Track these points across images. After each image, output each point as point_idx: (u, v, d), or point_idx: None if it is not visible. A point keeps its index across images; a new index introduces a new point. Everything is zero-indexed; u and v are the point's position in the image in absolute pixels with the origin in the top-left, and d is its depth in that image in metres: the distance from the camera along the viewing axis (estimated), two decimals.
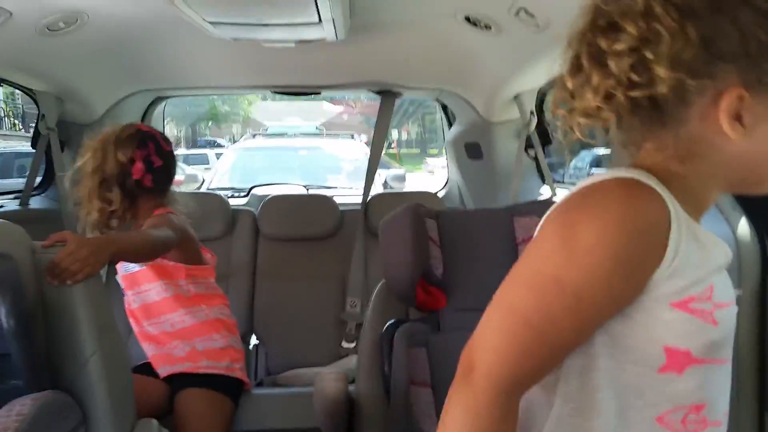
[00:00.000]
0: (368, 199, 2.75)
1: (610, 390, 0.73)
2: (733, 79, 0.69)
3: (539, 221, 0.78)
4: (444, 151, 3.32)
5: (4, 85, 2.32)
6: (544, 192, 2.62)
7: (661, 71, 0.68)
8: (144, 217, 1.89)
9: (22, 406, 1.10)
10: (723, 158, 0.73)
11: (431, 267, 1.54)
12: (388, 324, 1.56)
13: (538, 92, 2.47)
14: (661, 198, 0.70)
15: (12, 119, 13.51)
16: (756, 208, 1.51)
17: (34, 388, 1.20)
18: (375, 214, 2.62)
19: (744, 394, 1.48)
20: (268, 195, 2.90)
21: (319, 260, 2.63)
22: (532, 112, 2.50)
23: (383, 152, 3.11)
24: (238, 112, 22.49)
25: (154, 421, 1.52)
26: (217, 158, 7.54)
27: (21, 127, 13.10)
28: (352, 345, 2.48)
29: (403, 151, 22.35)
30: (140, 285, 1.90)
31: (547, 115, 2.52)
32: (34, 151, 2.50)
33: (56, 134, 2.43)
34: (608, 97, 0.72)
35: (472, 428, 0.69)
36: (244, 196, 3.41)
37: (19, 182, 2.55)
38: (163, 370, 1.89)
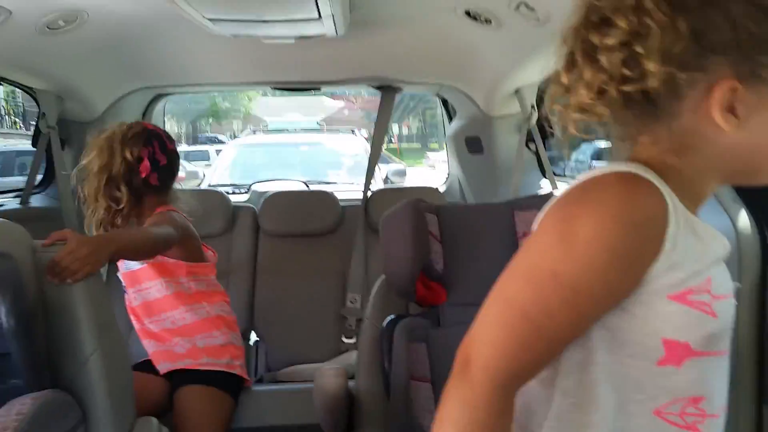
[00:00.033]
0: (369, 194, 2.74)
1: (608, 384, 0.73)
2: (726, 71, 0.69)
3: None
4: (444, 145, 3.31)
5: (5, 84, 2.31)
6: (545, 186, 2.62)
7: (651, 65, 0.68)
8: (148, 216, 1.89)
9: (22, 405, 1.10)
10: (717, 150, 0.73)
11: (431, 262, 1.54)
12: (388, 319, 1.57)
13: (539, 86, 2.47)
14: (659, 191, 0.70)
15: (13, 117, 13.52)
16: (756, 200, 1.51)
17: (34, 387, 1.20)
18: (376, 209, 2.62)
19: (743, 387, 1.48)
20: (268, 191, 2.90)
21: (320, 256, 2.63)
22: (532, 106, 2.49)
23: (384, 147, 3.11)
24: (238, 108, 22.51)
25: (154, 420, 1.52)
26: (218, 154, 7.54)
27: (22, 125, 13.10)
28: (352, 341, 2.48)
29: (404, 145, 22.34)
30: (141, 282, 1.90)
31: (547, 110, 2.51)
32: (34, 149, 2.50)
33: (57, 132, 2.42)
34: (601, 92, 0.72)
35: (469, 421, 0.69)
36: (245, 193, 3.41)
37: (20, 180, 2.55)
38: (163, 367, 1.90)
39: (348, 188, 3.62)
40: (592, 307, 0.71)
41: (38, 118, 2.42)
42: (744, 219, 1.49)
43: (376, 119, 2.89)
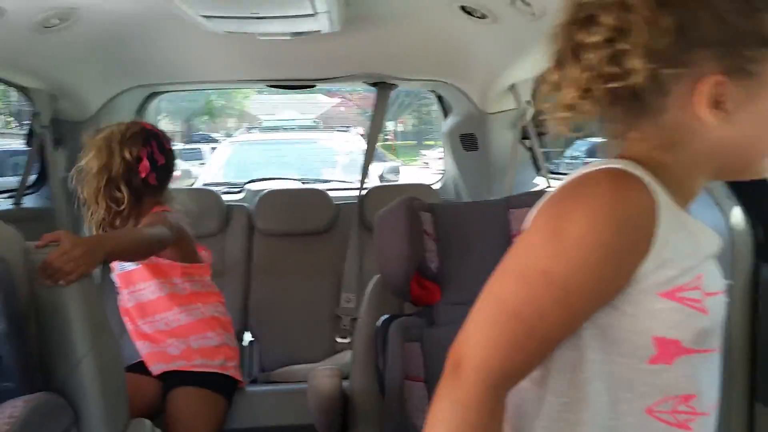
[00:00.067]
0: (364, 192, 2.74)
1: (600, 383, 0.73)
2: (712, 65, 0.69)
3: None
4: (440, 142, 3.31)
5: None
6: (540, 183, 2.62)
7: (635, 62, 0.68)
8: (145, 216, 1.88)
9: (14, 408, 1.09)
10: (705, 145, 0.73)
11: (426, 261, 1.54)
12: (382, 319, 1.56)
13: (534, 82, 2.46)
14: (648, 188, 0.70)
15: (6, 117, 13.46)
16: (749, 196, 1.51)
17: (26, 389, 1.19)
18: (371, 207, 2.61)
19: (735, 384, 1.49)
20: (262, 190, 2.89)
21: (314, 255, 2.62)
22: (527, 103, 2.49)
23: (379, 144, 3.11)
24: (233, 106, 22.45)
25: (147, 422, 1.52)
26: (212, 153, 7.53)
27: (17, 124, 13.05)
28: (347, 340, 2.48)
29: (399, 142, 22.32)
30: (135, 284, 1.89)
31: (538, 108, 2.51)
32: (28, 149, 2.49)
33: (50, 132, 2.41)
34: (587, 90, 0.72)
35: (460, 422, 0.69)
36: (239, 192, 3.40)
37: (14, 181, 2.54)
38: (156, 368, 1.89)
39: (343, 186, 3.61)
40: (583, 305, 0.70)
41: (32, 117, 2.40)
42: (737, 215, 1.50)
43: (372, 116, 2.88)
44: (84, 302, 1.36)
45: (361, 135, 5.62)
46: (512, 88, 2.46)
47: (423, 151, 17.32)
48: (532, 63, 2.13)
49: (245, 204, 2.80)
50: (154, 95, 2.93)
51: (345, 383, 1.63)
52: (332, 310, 2.56)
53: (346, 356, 2.32)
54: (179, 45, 2.28)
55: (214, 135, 18.52)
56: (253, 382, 2.38)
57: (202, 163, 7.54)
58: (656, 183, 0.71)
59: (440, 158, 3.38)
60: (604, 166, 0.72)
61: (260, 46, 2.18)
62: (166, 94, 3.07)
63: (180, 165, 2.06)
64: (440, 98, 3.08)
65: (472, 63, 2.40)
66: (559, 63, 0.75)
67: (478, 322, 0.72)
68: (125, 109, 2.73)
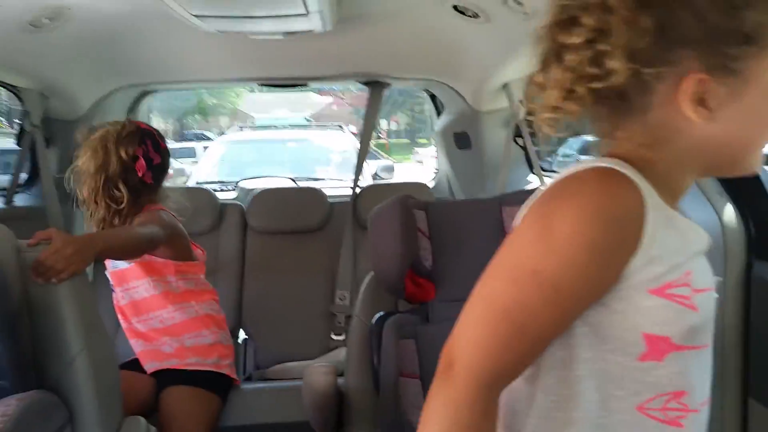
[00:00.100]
0: (357, 190, 2.74)
1: (591, 380, 0.73)
2: (694, 63, 0.69)
3: None
4: (433, 141, 3.31)
5: None
6: (533, 181, 2.62)
7: (615, 63, 0.69)
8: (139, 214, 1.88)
9: (7, 406, 1.09)
10: (691, 143, 0.73)
11: (420, 258, 1.54)
12: (377, 316, 1.57)
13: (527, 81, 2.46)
14: (636, 186, 0.70)
15: None
16: (742, 193, 1.52)
17: (19, 388, 1.19)
18: (364, 205, 2.61)
19: (728, 380, 1.50)
20: (256, 188, 2.89)
21: (308, 253, 2.62)
22: (520, 101, 2.49)
23: (372, 143, 3.11)
24: (225, 104, 22.38)
25: (142, 419, 1.51)
26: (205, 151, 7.51)
27: (6, 123, 12.96)
28: (341, 338, 2.48)
29: (393, 141, 22.32)
30: (128, 282, 1.89)
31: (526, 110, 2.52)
32: (19, 148, 2.47)
33: (41, 131, 2.40)
34: (571, 91, 0.72)
35: (453, 422, 0.69)
36: (232, 190, 3.39)
37: (4, 179, 2.53)
38: (150, 367, 1.89)
39: (336, 185, 3.61)
40: (574, 304, 0.71)
41: (22, 116, 2.39)
42: (729, 212, 1.51)
43: (365, 115, 2.88)
44: (77, 300, 1.35)
45: (354, 133, 5.63)
46: (505, 86, 2.46)
47: (417, 149, 17.33)
48: (525, 62, 2.12)
49: (239, 202, 2.80)
50: (145, 94, 2.92)
51: (340, 380, 1.63)
52: (327, 308, 2.56)
53: (340, 353, 2.32)
54: (171, 44, 2.27)
55: (206, 133, 18.47)
56: (248, 379, 2.37)
57: (195, 162, 7.51)
58: (644, 181, 0.71)
59: (434, 156, 3.38)
60: (591, 165, 0.72)
61: (252, 45, 2.17)
62: (157, 93, 3.06)
63: (173, 163, 2.05)
64: (433, 97, 3.08)
65: (465, 62, 2.41)
66: (544, 64, 0.75)
67: (469, 322, 0.72)
68: (117, 108, 2.72)
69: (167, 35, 2.16)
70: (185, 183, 4.25)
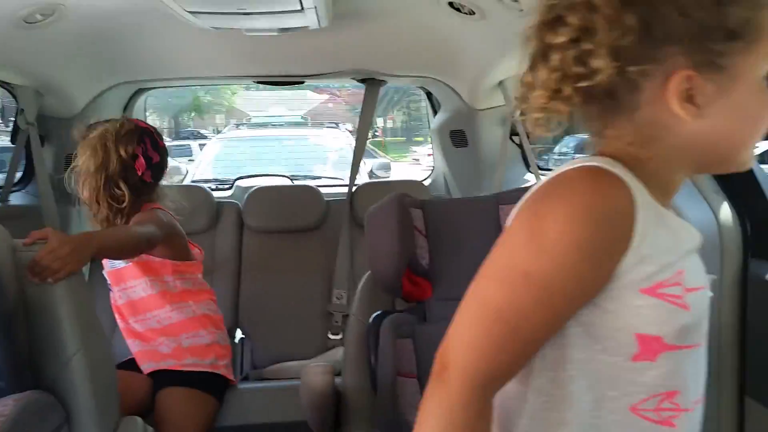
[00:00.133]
0: (354, 189, 2.74)
1: (583, 381, 0.73)
2: (680, 61, 0.69)
3: None
4: (429, 139, 3.31)
5: None
6: (529, 179, 2.62)
7: (599, 62, 0.69)
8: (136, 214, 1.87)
9: (4, 406, 1.09)
10: (680, 140, 0.73)
11: (417, 257, 1.54)
12: (374, 315, 1.56)
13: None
14: (626, 185, 0.70)
15: None
16: (738, 191, 1.52)
17: (15, 388, 1.18)
18: (361, 204, 2.61)
19: (725, 378, 1.50)
20: (252, 186, 2.88)
21: (305, 252, 2.62)
22: (516, 99, 2.49)
23: (368, 141, 3.10)
24: (221, 102, 22.30)
25: (139, 419, 1.51)
26: (201, 149, 7.49)
27: (1, 121, 12.90)
28: (339, 337, 2.47)
29: (389, 139, 22.28)
30: (126, 281, 1.88)
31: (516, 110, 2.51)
32: (13, 146, 2.46)
33: (36, 129, 2.39)
34: (557, 90, 0.72)
35: (448, 423, 0.69)
36: (228, 188, 3.38)
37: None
38: (147, 367, 1.88)
39: (333, 183, 3.60)
40: (566, 304, 0.71)
41: (17, 114, 2.38)
42: (726, 210, 1.51)
43: (361, 113, 2.88)
44: (73, 300, 1.35)
45: (350, 131, 5.61)
46: (501, 84, 2.46)
47: (413, 148, 17.30)
48: (521, 59, 2.12)
49: (235, 201, 2.79)
50: (141, 91, 2.90)
51: (337, 380, 1.63)
52: (324, 307, 2.55)
53: (338, 353, 2.32)
54: (166, 41, 2.26)
55: (202, 131, 18.43)
56: (245, 379, 2.37)
57: (191, 160, 7.49)
58: (634, 179, 0.71)
59: (430, 155, 3.37)
60: (580, 164, 0.72)
61: (247, 42, 2.16)
62: (153, 90, 3.05)
63: (169, 161, 2.05)
64: (429, 95, 3.08)
65: (460, 59, 2.40)
66: (532, 64, 0.75)
67: (463, 323, 0.72)
68: (112, 106, 2.71)
69: (162, 32, 2.15)
70: (182, 181, 4.23)
